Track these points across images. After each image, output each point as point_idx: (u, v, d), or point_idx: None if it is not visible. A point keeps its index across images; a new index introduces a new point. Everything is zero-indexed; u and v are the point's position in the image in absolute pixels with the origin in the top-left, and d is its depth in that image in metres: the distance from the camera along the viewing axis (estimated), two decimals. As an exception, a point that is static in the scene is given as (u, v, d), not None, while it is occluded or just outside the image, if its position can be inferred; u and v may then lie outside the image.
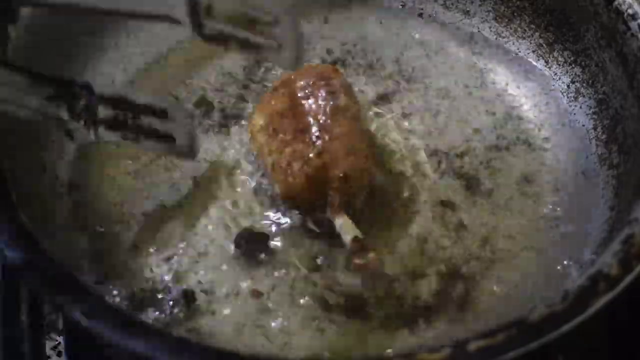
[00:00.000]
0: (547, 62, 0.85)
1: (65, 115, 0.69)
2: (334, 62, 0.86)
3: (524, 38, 0.87)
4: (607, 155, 0.75)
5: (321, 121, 0.72)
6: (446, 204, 0.75)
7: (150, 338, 0.56)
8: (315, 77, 0.75)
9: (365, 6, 0.91)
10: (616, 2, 0.76)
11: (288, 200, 0.72)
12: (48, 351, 0.72)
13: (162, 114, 0.71)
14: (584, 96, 0.80)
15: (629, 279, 0.59)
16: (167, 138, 0.72)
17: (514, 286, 0.70)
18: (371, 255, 0.67)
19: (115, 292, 0.69)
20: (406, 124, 0.81)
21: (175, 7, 0.64)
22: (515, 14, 0.87)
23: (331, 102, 0.73)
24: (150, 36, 0.86)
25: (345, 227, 0.68)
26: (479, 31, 0.88)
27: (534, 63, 0.85)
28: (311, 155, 0.70)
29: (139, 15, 0.67)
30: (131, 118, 0.71)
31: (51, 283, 0.59)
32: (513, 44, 0.87)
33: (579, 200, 0.75)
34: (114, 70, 0.84)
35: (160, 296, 0.68)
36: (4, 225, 0.62)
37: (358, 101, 0.77)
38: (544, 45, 0.85)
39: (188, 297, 0.68)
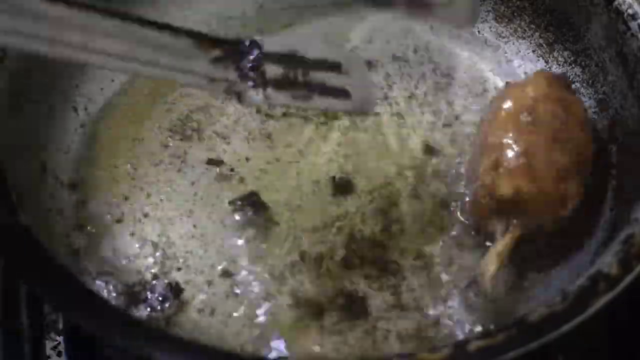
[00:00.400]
0: (547, 62, 0.85)
1: (233, 76, 0.64)
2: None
3: (524, 38, 0.87)
4: (607, 156, 0.75)
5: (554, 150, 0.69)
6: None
7: (150, 338, 0.56)
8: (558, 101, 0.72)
9: (365, 6, 0.91)
10: (616, 2, 0.76)
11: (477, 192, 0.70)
12: (48, 351, 0.72)
13: (335, 68, 0.67)
14: (584, 96, 0.80)
15: (629, 279, 0.59)
16: (342, 93, 0.67)
17: (513, 286, 0.70)
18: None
19: (110, 288, 0.69)
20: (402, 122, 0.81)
21: None
22: (515, 14, 0.87)
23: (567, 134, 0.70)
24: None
25: (493, 257, 0.67)
26: (479, 31, 0.89)
27: (534, 63, 0.85)
28: (527, 177, 0.68)
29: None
30: (302, 75, 0.66)
31: (51, 283, 0.59)
32: (513, 44, 0.87)
33: (578, 200, 0.75)
34: (114, 70, 0.84)
35: (148, 293, 0.69)
36: (4, 225, 0.62)
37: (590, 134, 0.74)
38: (544, 45, 0.85)
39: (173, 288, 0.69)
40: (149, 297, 0.68)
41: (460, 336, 0.66)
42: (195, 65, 0.64)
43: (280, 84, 0.66)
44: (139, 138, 0.80)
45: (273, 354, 0.65)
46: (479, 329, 0.66)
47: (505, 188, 0.68)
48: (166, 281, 0.70)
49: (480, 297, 0.66)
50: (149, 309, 0.68)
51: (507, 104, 0.72)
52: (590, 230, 0.71)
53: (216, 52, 0.63)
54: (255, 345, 0.66)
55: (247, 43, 0.65)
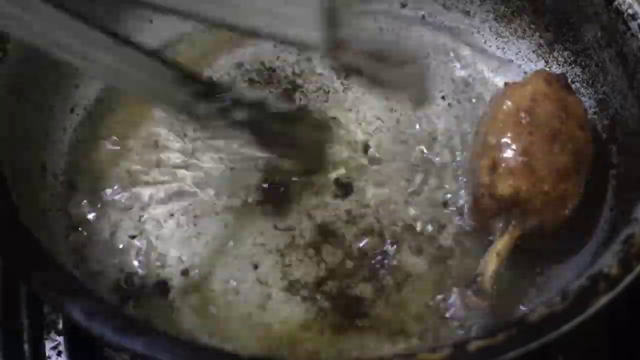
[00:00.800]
0: (547, 62, 0.85)
1: (205, 110, 0.69)
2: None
3: (524, 38, 0.87)
4: (607, 155, 0.75)
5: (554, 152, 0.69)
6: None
7: (150, 338, 0.56)
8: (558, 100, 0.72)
9: (365, 5, 0.91)
10: (616, 2, 0.76)
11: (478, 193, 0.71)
12: (48, 351, 0.72)
13: (299, 118, 0.74)
14: (584, 96, 0.80)
15: (629, 279, 0.59)
16: (295, 146, 0.74)
17: (513, 286, 0.70)
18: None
19: (109, 288, 0.69)
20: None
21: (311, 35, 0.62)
22: (515, 14, 0.87)
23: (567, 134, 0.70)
24: (153, 32, 0.86)
25: (492, 256, 0.67)
26: (479, 31, 0.89)
27: (534, 63, 0.85)
28: (526, 177, 0.68)
29: (274, 37, 0.66)
30: (267, 124, 0.71)
31: (52, 283, 0.59)
32: (513, 44, 0.87)
33: (578, 200, 0.75)
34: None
35: (148, 294, 0.69)
36: (4, 225, 0.62)
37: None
38: (544, 45, 0.85)
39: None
40: (149, 297, 0.68)
41: (462, 335, 0.66)
42: (177, 94, 0.68)
43: (248, 126, 0.71)
44: (139, 138, 0.80)
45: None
46: (477, 328, 0.66)
47: (504, 188, 0.68)
48: (166, 282, 0.70)
49: (479, 297, 0.66)
50: (147, 309, 0.68)
51: (506, 105, 0.72)
52: (590, 230, 0.71)
53: (197, 87, 0.68)
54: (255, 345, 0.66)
55: (224, 86, 0.71)
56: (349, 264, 0.71)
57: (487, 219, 0.70)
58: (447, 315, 0.68)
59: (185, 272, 0.71)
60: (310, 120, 0.77)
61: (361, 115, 0.81)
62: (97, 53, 0.64)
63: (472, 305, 0.67)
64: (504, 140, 0.70)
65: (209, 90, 0.69)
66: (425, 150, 0.79)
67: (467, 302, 0.67)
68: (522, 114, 0.71)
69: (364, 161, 0.78)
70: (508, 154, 0.69)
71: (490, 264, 0.67)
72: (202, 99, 0.68)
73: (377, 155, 0.78)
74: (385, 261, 0.71)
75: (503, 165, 0.69)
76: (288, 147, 0.74)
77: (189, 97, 0.68)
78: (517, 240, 0.68)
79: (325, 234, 0.73)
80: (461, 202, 0.75)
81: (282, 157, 0.76)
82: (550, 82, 0.74)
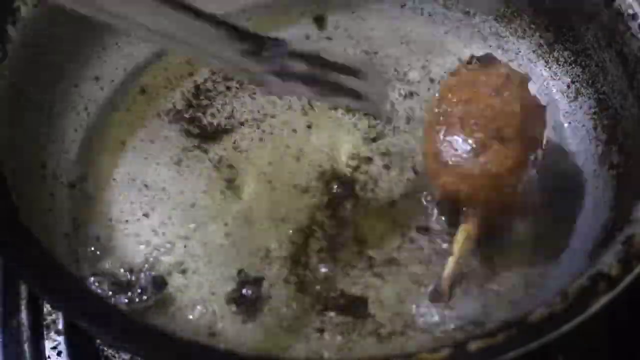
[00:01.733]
0: (547, 62, 0.85)
1: (256, 68, 0.68)
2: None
3: (524, 38, 0.87)
4: (607, 155, 0.75)
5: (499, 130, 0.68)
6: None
7: (151, 338, 0.56)
8: (501, 83, 0.72)
9: (366, 6, 0.91)
10: (616, 2, 0.76)
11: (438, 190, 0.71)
12: (48, 351, 0.72)
13: (356, 72, 0.72)
14: (584, 96, 0.80)
15: (629, 279, 0.59)
16: (354, 94, 0.72)
17: (513, 286, 0.70)
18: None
19: (109, 288, 0.69)
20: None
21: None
22: (515, 14, 0.87)
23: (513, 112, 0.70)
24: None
25: (449, 259, 0.68)
26: (479, 31, 0.89)
27: (534, 63, 0.85)
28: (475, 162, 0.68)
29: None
30: (321, 74, 0.71)
31: (51, 283, 0.59)
32: (513, 44, 0.87)
33: (578, 200, 0.75)
34: (114, 70, 0.84)
35: (147, 294, 0.69)
36: (4, 225, 0.62)
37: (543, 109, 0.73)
38: (544, 45, 0.85)
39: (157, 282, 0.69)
40: (148, 298, 0.68)
41: (436, 335, 0.67)
42: (225, 53, 0.67)
43: (301, 79, 0.70)
44: (139, 138, 0.80)
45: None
46: (447, 328, 0.67)
47: (438, 189, 0.70)
48: (167, 282, 0.70)
49: (439, 296, 0.67)
50: (147, 309, 0.68)
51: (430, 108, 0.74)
52: (590, 230, 0.71)
53: (245, 46, 0.67)
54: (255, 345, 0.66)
55: (274, 42, 0.69)
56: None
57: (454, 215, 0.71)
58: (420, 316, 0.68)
59: (184, 271, 0.71)
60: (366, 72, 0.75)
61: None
62: (143, 16, 0.64)
63: (439, 307, 0.68)
64: (426, 145, 0.72)
65: (258, 45, 0.68)
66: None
67: (435, 303, 0.68)
68: (436, 108, 0.72)
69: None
70: (430, 155, 0.70)
71: (447, 267, 0.68)
72: (253, 55, 0.67)
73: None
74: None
75: (430, 167, 0.71)
76: (349, 96, 0.72)
77: (239, 55, 0.67)
78: (475, 238, 0.68)
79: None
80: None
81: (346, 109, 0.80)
82: (466, 65, 0.74)
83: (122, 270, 0.70)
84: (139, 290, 0.68)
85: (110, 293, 0.68)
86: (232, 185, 0.76)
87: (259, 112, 0.82)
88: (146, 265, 0.71)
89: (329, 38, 0.88)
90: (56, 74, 0.79)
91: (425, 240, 0.72)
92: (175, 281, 0.70)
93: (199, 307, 0.69)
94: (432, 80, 0.85)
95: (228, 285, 0.70)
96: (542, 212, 0.74)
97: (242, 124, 0.81)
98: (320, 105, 0.81)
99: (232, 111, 0.82)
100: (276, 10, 0.89)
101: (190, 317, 0.68)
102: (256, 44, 0.68)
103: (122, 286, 0.69)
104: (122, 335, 0.56)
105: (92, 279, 0.69)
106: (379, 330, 0.67)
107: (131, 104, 0.82)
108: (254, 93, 0.83)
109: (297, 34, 0.88)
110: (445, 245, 0.71)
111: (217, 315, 0.68)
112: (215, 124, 0.81)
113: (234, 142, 0.79)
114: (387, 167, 0.77)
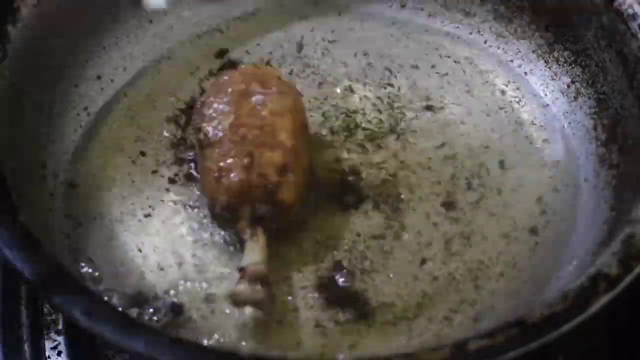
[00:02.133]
0: (547, 62, 0.85)
1: None
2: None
3: (524, 38, 0.87)
4: (607, 155, 0.75)
5: (254, 130, 0.69)
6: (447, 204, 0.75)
7: (151, 338, 0.56)
8: (253, 81, 0.73)
9: (366, 6, 0.91)
10: (616, 2, 0.76)
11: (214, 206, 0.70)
12: (48, 351, 0.72)
13: None
14: (584, 96, 0.80)
15: (629, 279, 0.59)
16: None
17: (513, 285, 0.70)
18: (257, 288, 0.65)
19: (109, 287, 0.69)
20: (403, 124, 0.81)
21: None
22: (515, 14, 0.87)
23: (268, 110, 0.71)
24: (151, 35, 0.86)
25: (250, 250, 0.67)
26: (479, 31, 0.89)
27: (534, 63, 0.85)
28: (237, 167, 0.68)
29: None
30: None
31: (51, 283, 0.59)
32: (513, 44, 0.87)
33: (579, 200, 0.75)
34: (114, 70, 0.84)
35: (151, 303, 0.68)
36: (4, 225, 0.62)
37: (302, 105, 0.75)
38: (544, 45, 0.85)
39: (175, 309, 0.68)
40: (148, 298, 0.68)
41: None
42: None
43: None
44: (138, 138, 0.80)
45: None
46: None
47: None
48: (165, 284, 0.70)
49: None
50: (148, 310, 0.68)
51: None
52: (591, 230, 0.71)
53: None
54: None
55: None
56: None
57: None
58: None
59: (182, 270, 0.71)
60: None
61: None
62: None
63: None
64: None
65: None
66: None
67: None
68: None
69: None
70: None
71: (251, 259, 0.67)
72: None
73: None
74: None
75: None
76: None
77: None
78: (264, 235, 0.68)
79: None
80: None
81: None
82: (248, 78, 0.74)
83: (123, 270, 0.70)
84: (154, 297, 0.68)
85: (113, 294, 0.68)
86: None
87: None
88: (147, 265, 0.71)
89: (329, 40, 0.89)
90: (56, 74, 0.79)
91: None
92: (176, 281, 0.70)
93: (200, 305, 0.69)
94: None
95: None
96: (542, 212, 0.74)
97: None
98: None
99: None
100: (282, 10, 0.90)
101: (190, 316, 0.68)
102: None
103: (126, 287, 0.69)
104: (122, 335, 0.56)
105: (100, 282, 0.69)
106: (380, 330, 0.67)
107: (132, 105, 0.82)
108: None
109: (297, 34, 0.88)
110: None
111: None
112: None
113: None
114: None
